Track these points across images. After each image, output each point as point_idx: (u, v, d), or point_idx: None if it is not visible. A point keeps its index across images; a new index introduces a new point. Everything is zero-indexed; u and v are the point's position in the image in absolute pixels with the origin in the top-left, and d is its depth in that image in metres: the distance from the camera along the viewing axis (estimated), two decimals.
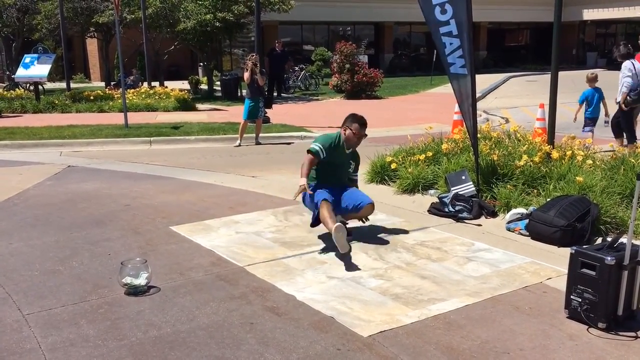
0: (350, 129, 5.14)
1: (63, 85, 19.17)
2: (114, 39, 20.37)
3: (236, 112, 13.76)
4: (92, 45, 28.27)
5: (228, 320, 3.67)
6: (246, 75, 10.63)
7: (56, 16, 19.75)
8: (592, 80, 9.32)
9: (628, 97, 8.16)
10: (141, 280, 4.07)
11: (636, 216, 3.62)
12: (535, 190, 6.06)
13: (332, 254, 4.84)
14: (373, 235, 5.31)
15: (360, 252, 4.87)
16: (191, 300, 3.95)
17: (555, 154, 6.54)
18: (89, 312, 3.78)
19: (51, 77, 18.83)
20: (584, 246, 3.77)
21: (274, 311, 3.79)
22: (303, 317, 3.70)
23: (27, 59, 15.55)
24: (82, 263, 4.65)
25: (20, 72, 15.46)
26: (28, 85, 18.23)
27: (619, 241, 3.62)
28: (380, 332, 3.50)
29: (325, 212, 4.78)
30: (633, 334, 3.47)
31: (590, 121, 9.29)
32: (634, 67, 8.25)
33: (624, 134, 8.50)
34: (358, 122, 5.16)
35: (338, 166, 5.24)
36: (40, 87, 16.79)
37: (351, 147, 5.22)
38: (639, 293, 3.61)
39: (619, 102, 8.27)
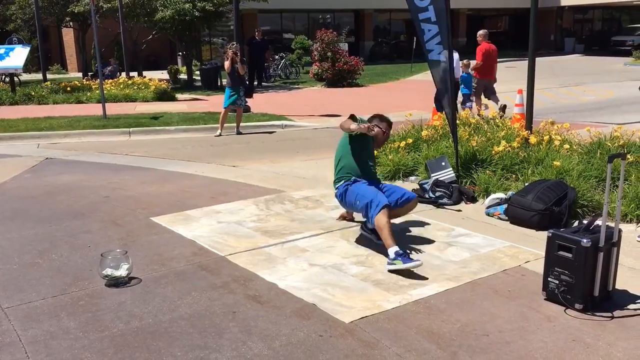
0: (379, 127, 4.83)
1: (39, 76, 18.87)
2: (90, 28, 20.06)
3: (216, 102, 13.67)
4: (68, 36, 27.81)
5: (210, 309, 3.67)
6: (227, 64, 10.56)
7: (31, 6, 19.42)
8: (466, 66, 11.45)
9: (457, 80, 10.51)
10: (122, 272, 4.05)
11: (610, 198, 3.69)
12: (514, 175, 6.13)
13: (314, 242, 4.86)
14: (354, 223, 5.33)
15: (341, 239, 4.90)
16: (173, 291, 3.94)
17: (533, 139, 6.61)
18: (70, 304, 3.76)
19: (27, 68, 18.52)
20: (561, 229, 3.83)
21: (256, 300, 3.80)
22: (285, 305, 3.72)
23: (1, 50, 15.24)
24: (62, 255, 4.62)
25: None
26: (3, 76, 17.89)
27: (595, 224, 3.69)
28: (362, 317, 3.53)
29: (387, 226, 4.28)
30: (609, 314, 3.54)
31: (468, 97, 11.55)
32: (457, 60, 10.65)
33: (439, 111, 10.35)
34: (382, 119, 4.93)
35: (369, 153, 4.81)
36: (15, 78, 16.50)
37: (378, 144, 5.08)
38: (614, 274, 3.69)
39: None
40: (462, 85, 11.34)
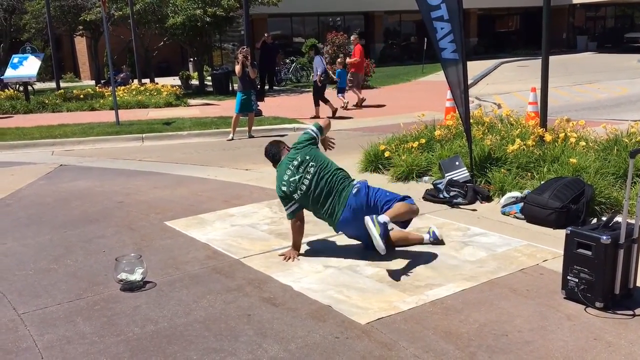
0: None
1: (53, 85, 19.03)
2: (102, 36, 20.22)
3: (228, 106, 13.70)
4: (80, 44, 28.04)
5: (225, 312, 3.65)
6: (237, 68, 10.58)
7: (44, 15, 19.58)
8: (341, 63, 14.28)
9: (321, 78, 12.91)
10: (137, 276, 4.05)
11: (630, 195, 3.62)
12: (529, 174, 6.06)
13: (328, 243, 4.83)
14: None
15: (356, 241, 4.85)
16: (187, 294, 3.93)
17: (548, 137, 6.54)
18: (85, 309, 3.76)
19: (41, 77, 18.68)
20: (579, 226, 3.77)
21: (271, 302, 3.78)
22: (300, 307, 3.69)
23: (15, 59, 15.40)
24: (77, 261, 4.63)
25: (9, 72, 15.32)
26: (17, 85, 18.07)
27: (614, 220, 3.62)
28: (378, 319, 3.49)
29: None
30: (630, 312, 3.47)
31: (341, 90, 14.14)
32: (322, 61, 13.39)
33: (325, 101, 12.96)
34: None
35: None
36: (29, 87, 16.66)
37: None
38: (635, 271, 3.62)
39: (315, 80, 13.03)
40: (339, 80, 14.12)
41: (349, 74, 14.35)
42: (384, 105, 14.53)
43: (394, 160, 7.04)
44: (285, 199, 4.49)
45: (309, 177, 4.41)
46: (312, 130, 4.72)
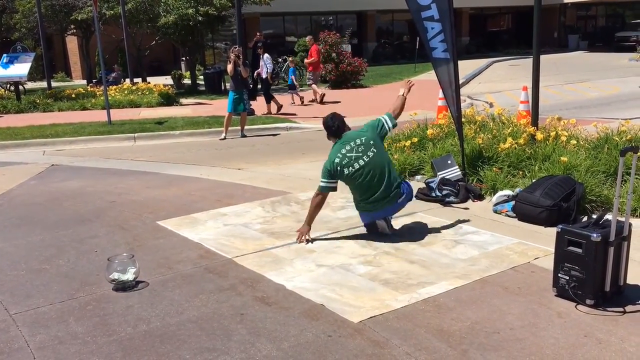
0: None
1: (44, 84, 18.91)
2: (93, 36, 20.10)
3: (220, 106, 13.67)
4: (72, 43, 27.88)
5: (218, 311, 3.65)
6: (229, 67, 10.56)
7: (34, 14, 19.46)
8: (292, 62, 15.92)
9: (272, 75, 14.01)
10: (129, 276, 4.04)
11: (620, 193, 3.65)
12: (520, 172, 6.09)
13: (321, 242, 4.84)
14: (361, 222, 5.30)
15: (348, 239, 4.87)
16: (180, 294, 3.93)
17: (539, 136, 6.57)
18: (77, 309, 3.75)
19: (32, 76, 18.57)
20: (570, 224, 3.79)
21: (264, 301, 3.78)
22: (293, 306, 3.70)
23: (5, 58, 15.31)
24: (69, 261, 4.61)
25: None
26: (8, 85, 17.95)
27: (604, 218, 3.65)
28: (371, 317, 3.50)
29: None
30: (621, 309, 3.50)
31: (291, 86, 15.25)
32: (269, 59, 14.10)
33: (271, 98, 13.65)
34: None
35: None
36: (20, 86, 16.55)
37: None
38: (625, 268, 3.65)
39: (265, 77, 13.64)
40: (292, 77, 15.21)
41: (308, 73, 15.58)
42: (339, 102, 15.16)
43: None
44: (331, 173, 4.67)
45: (365, 159, 4.65)
46: (384, 118, 4.97)
